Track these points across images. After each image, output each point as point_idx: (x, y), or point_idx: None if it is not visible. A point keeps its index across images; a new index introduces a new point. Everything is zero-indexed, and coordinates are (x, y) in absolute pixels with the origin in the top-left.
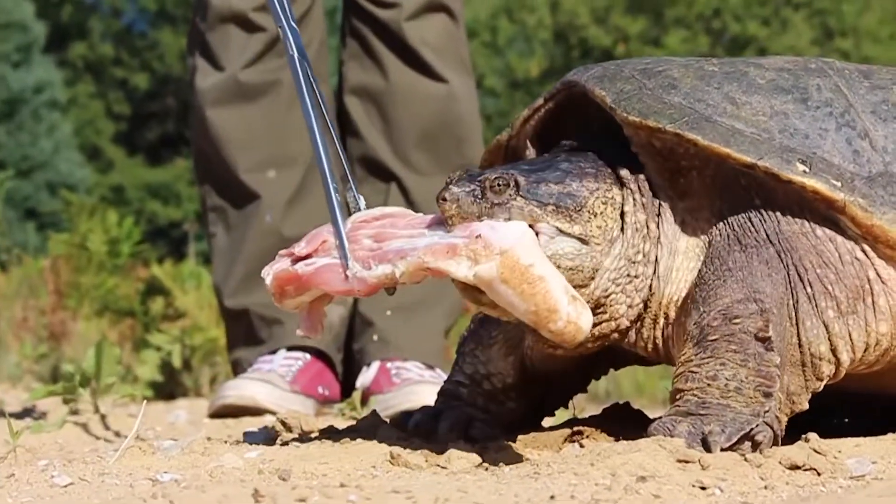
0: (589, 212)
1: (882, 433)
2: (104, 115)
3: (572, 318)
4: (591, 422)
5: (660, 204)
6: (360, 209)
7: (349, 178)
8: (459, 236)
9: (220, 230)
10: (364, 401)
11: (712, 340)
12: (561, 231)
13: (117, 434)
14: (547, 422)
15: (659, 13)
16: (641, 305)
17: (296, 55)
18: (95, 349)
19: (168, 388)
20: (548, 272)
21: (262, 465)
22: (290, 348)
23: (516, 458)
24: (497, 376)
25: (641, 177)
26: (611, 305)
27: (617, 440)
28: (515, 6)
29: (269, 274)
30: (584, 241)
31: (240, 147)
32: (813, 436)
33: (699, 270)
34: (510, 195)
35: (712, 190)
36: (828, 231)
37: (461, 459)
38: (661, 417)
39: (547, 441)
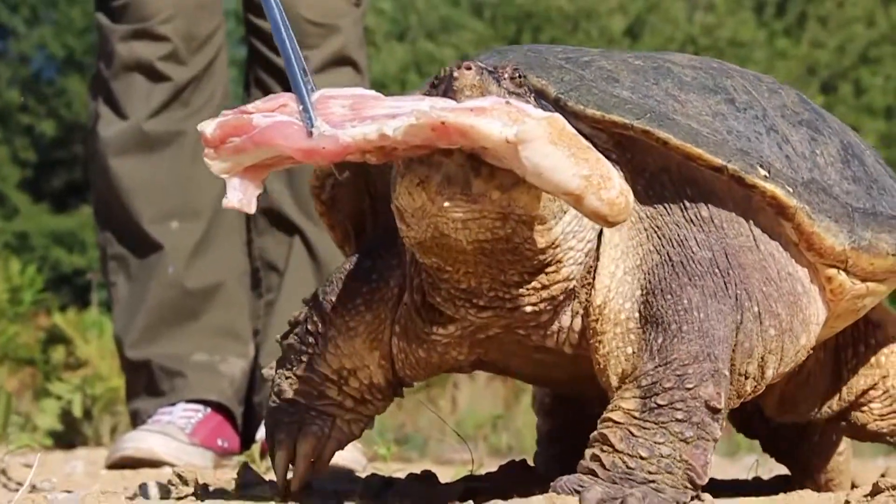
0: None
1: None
2: (9, 162)
3: (625, 190)
4: (488, 479)
5: None
6: None
7: (305, 70)
8: (482, 101)
9: (120, 279)
10: (263, 454)
11: (660, 406)
12: None
13: (13, 483)
14: (443, 477)
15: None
16: (578, 280)
17: None
18: None
19: (68, 437)
20: (591, 147)
21: None
22: (189, 401)
23: None
24: (363, 371)
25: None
26: (563, 264)
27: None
28: (425, 60)
29: (210, 123)
30: None
31: (143, 197)
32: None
33: (645, 291)
34: (527, 90)
35: (652, 198)
36: (770, 245)
37: None
38: (569, 474)
39: (442, 497)
